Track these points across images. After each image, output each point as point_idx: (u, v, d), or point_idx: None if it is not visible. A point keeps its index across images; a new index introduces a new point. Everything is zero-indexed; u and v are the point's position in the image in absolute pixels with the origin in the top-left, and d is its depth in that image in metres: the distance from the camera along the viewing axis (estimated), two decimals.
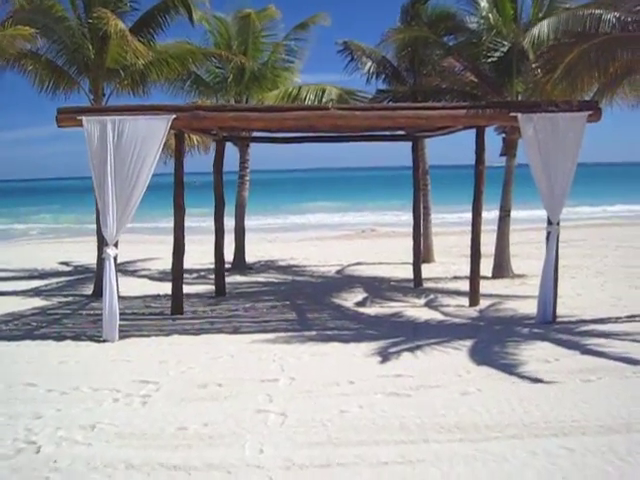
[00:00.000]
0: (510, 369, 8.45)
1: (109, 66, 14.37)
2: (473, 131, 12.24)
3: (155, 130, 10.00)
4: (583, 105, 10.81)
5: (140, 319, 12.17)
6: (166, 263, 19.47)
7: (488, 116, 10.69)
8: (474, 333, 10.46)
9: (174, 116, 10.02)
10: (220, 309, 13.09)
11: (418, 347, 9.55)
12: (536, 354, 9.11)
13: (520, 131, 10.68)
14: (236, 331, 11.01)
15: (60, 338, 10.54)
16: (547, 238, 11.41)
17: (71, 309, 13.19)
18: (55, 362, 9.17)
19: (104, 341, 10.32)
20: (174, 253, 12.59)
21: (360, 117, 10.43)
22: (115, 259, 10.37)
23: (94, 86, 14.42)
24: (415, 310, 12.51)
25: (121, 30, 12.61)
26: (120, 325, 10.68)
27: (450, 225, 30.24)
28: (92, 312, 12.56)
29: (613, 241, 23.95)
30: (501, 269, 16.13)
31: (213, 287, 14.84)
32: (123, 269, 19.29)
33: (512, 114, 10.63)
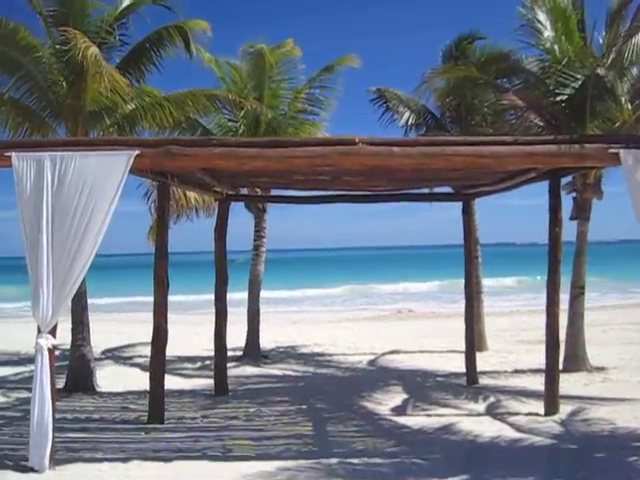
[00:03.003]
0: None
1: (89, 108, 11.69)
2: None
3: (110, 171, 7.11)
4: None
5: (102, 429, 9.09)
6: (175, 347, 16.75)
7: (578, 154, 7.61)
8: (568, 467, 7.17)
9: (137, 152, 7.13)
10: (214, 415, 9.94)
11: None
12: None
13: (627, 175, 7.54)
14: (225, 456, 7.84)
15: None
16: None
17: (23, 411, 10.10)
18: None
19: (31, 470, 7.19)
20: (153, 342, 9.62)
21: (399, 154, 7.44)
22: (52, 352, 7.30)
23: (72, 133, 11.71)
24: (474, 421, 9.26)
25: (93, 55, 9.93)
26: (68, 440, 7.76)
27: (493, 304, 26.82)
28: None
29: None
30: (575, 361, 12.78)
31: None
32: (117, 355, 16.39)
33: (612, 150, 7.56)
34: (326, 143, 7.61)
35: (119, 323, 24.71)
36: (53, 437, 7.28)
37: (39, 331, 7.19)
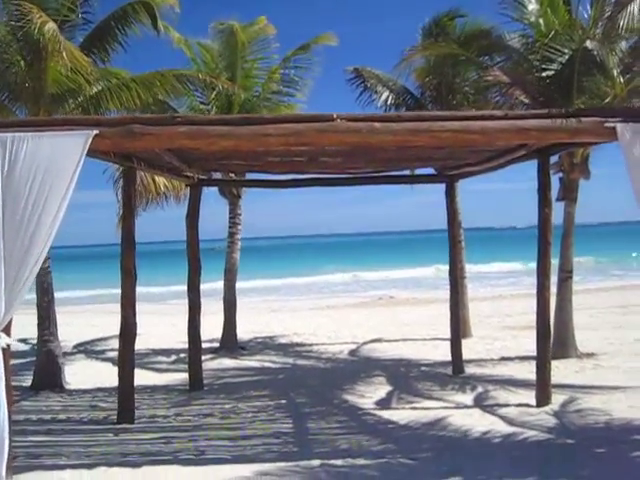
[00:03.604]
0: None
1: (51, 90, 10.98)
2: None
3: (66, 153, 6.45)
4: None
5: (67, 431, 8.50)
6: (149, 340, 16.20)
7: (574, 128, 7.07)
8: (568, 465, 6.68)
9: (95, 132, 6.47)
10: (188, 413, 9.36)
11: None
12: None
13: (624, 150, 7.02)
14: (198, 459, 7.28)
15: None
16: None
17: None
18: None
19: None
20: (121, 335, 9.06)
21: (381, 131, 6.86)
22: (6, 352, 6.68)
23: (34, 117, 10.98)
24: (463, 414, 8.77)
25: (50, 30, 9.23)
26: (30, 444, 7.27)
27: (476, 289, 26.35)
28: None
29: None
30: (564, 347, 12.32)
31: None
32: (89, 349, 15.74)
33: (608, 125, 7.02)
34: (301, 120, 6.97)
35: (93, 315, 24.04)
36: (10, 444, 6.66)
37: None
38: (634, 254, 50.73)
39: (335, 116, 6.93)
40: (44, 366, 11.29)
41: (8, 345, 6.67)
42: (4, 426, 6.52)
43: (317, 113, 7.04)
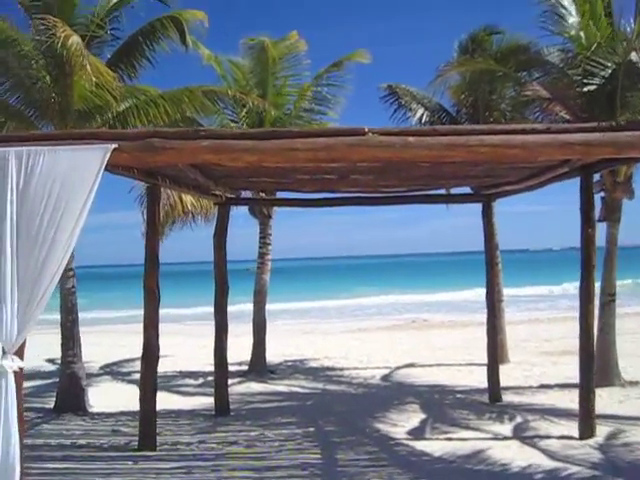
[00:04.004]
0: None
1: (77, 107, 10.81)
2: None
3: (84, 167, 6.16)
4: None
5: (86, 458, 8.16)
6: (178, 362, 15.93)
7: (621, 143, 6.61)
8: None
9: (114, 146, 6.16)
10: (212, 440, 8.99)
11: None
12: None
13: None
14: None
15: None
16: None
17: None
18: None
19: None
20: (143, 357, 8.72)
21: (415, 145, 6.46)
22: (19, 375, 6.36)
23: None
24: (501, 446, 8.27)
25: (74, 44, 9.02)
26: (46, 472, 7.05)
27: (512, 312, 25.66)
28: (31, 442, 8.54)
29: None
30: (607, 374, 11.72)
31: None
32: (116, 371, 15.50)
33: None
34: (331, 134, 6.58)
35: (123, 335, 23.80)
36: (23, 471, 6.34)
37: (3, 352, 6.25)
38: None
39: (367, 130, 6.54)
40: (67, 388, 11.04)
41: (21, 368, 6.36)
42: (15, 453, 6.19)
43: (348, 127, 6.67)
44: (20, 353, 6.31)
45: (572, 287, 36.61)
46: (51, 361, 16.35)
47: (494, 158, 6.91)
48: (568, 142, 6.58)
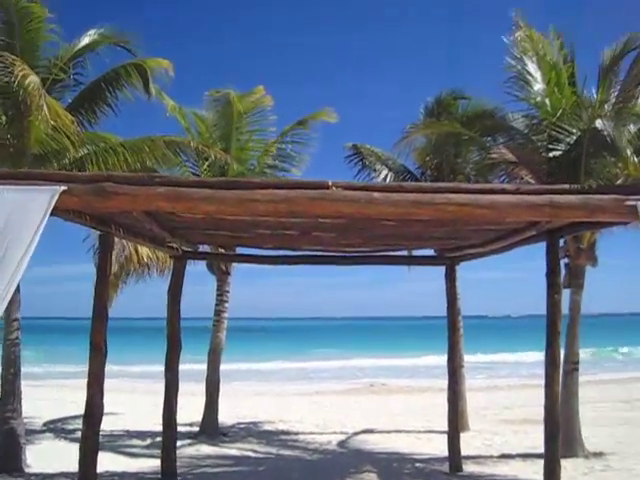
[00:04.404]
0: None
1: (34, 150, 10.46)
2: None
3: (29, 210, 5.78)
4: None
5: None
6: (127, 420, 15.27)
7: (591, 206, 6.45)
8: None
9: (63, 188, 5.82)
10: None
11: None
12: None
13: None
14: None
15: None
16: None
17: None
18: None
19: None
20: (85, 417, 8.19)
21: (381, 201, 6.21)
22: None
23: None
24: None
25: (31, 84, 8.72)
26: None
27: (472, 379, 25.37)
28: None
29: None
30: (571, 444, 11.38)
31: None
32: (60, 428, 14.78)
33: (629, 203, 6.40)
34: (293, 186, 6.32)
35: (74, 390, 22.93)
36: None
37: None
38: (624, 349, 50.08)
39: (330, 184, 6.27)
40: (3, 446, 10.38)
41: None
42: None
43: (311, 180, 6.40)
44: None
45: (532, 355, 36.80)
46: None
47: (461, 217, 6.67)
48: (537, 204, 6.38)
